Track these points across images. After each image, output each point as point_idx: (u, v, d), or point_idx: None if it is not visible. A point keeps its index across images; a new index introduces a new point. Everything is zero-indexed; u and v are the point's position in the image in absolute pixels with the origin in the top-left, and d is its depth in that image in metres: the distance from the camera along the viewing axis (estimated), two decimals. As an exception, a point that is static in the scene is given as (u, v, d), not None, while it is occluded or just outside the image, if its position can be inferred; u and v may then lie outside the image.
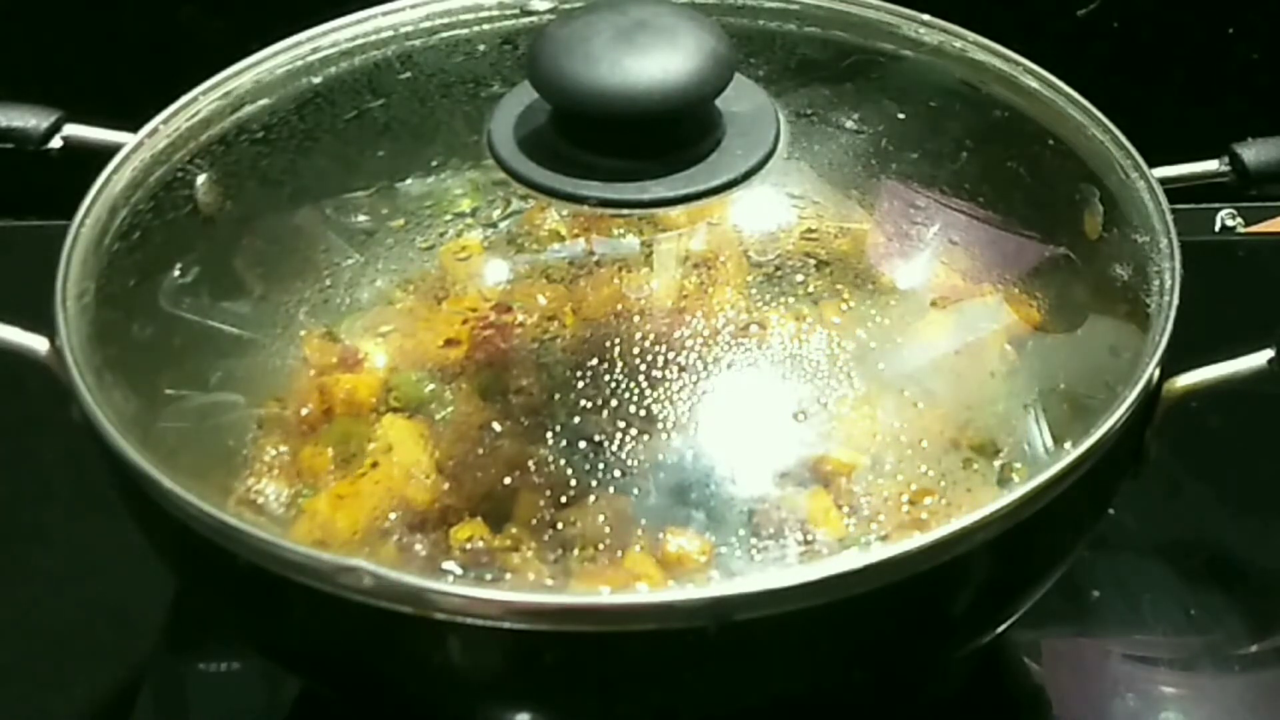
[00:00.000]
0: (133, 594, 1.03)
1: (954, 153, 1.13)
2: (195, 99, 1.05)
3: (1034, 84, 1.06)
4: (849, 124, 1.10)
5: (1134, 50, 1.43)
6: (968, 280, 1.12)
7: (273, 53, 1.10)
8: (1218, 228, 1.44)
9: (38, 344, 0.88)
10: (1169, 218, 0.95)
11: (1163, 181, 1.01)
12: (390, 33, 1.14)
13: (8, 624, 1.04)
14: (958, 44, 1.09)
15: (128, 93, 1.37)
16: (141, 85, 1.42)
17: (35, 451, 1.14)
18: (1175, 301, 0.89)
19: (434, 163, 1.20)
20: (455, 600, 0.74)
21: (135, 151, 1.01)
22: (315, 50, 1.11)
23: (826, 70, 1.14)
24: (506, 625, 0.74)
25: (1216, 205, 1.45)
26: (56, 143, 1.01)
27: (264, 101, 1.08)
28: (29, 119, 1.00)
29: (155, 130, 1.02)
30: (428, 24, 1.15)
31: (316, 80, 1.11)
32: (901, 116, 1.12)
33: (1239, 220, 1.44)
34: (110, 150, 1.03)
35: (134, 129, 1.03)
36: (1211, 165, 1.01)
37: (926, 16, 1.10)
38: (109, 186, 0.98)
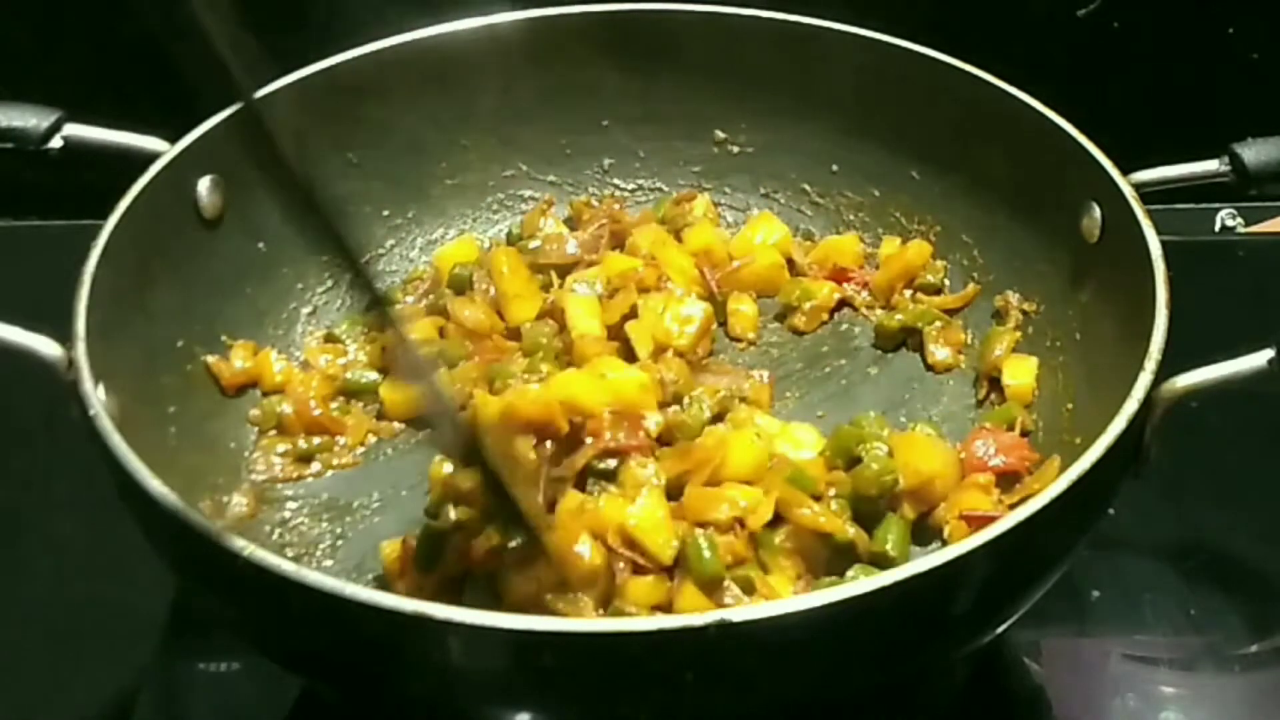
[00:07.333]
0: (133, 594, 1.03)
1: (958, 167, 1.14)
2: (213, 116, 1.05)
3: (1029, 104, 1.06)
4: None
5: (1134, 50, 1.43)
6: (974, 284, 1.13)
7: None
8: (1218, 228, 1.44)
9: (47, 347, 0.88)
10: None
11: (1163, 181, 1.01)
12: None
13: (8, 624, 1.04)
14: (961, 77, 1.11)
15: (128, 93, 1.37)
16: (141, 85, 1.43)
17: (36, 452, 1.14)
18: (1168, 303, 0.89)
19: (442, 164, 1.21)
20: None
21: (154, 165, 1.01)
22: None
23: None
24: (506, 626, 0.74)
25: (1216, 205, 1.44)
26: (56, 143, 1.01)
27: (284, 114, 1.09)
28: (29, 119, 1.00)
29: (175, 144, 1.03)
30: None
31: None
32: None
33: (1239, 220, 1.44)
34: (111, 151, 1.03)
35: (134, 129, 1.03)
36: (1211, 165, 1.01)
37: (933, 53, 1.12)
38: (126, 199, 0.98)
